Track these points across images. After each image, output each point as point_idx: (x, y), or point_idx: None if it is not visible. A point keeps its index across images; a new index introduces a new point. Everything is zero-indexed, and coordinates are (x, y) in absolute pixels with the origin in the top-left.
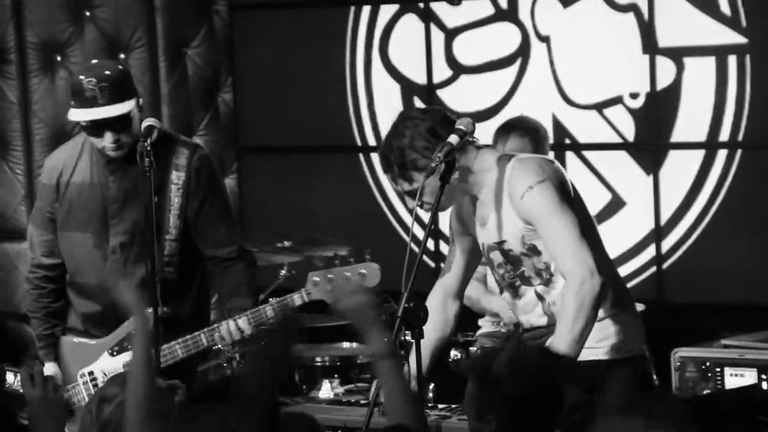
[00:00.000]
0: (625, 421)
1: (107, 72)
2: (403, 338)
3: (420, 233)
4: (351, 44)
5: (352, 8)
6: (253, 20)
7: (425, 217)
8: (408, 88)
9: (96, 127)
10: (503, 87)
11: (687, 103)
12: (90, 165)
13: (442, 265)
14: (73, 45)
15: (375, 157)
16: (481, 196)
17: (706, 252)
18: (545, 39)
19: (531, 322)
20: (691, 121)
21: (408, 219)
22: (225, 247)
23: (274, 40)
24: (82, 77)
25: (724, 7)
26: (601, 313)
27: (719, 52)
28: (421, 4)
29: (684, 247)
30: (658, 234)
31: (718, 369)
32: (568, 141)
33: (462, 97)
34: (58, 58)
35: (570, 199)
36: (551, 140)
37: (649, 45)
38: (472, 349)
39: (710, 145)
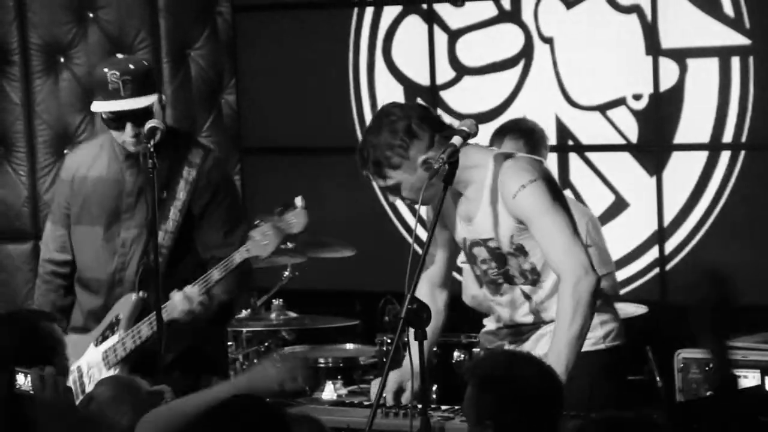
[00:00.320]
0: None
1: (131, 66)
2: (405, 339)
3: (423, 234)
4: (354, 45)
5: (355, 9)
6: (256, 21)
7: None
8: (411, 89)
9: (117, 120)
10: (506, 88)
11: (690, 104)
12: (108, 161)
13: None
14: (77, 46)
15: None
16: (466, 193)
17: (710, 253)
18: (548, 40)
19: (514, 319)
20: (694, 122)
21: (411, 220)
22: (221, 250)
23: (277, 42)
24: (106, 70)
25: (728, 9)
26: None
27: (722, 54)
28: (424, 6)
29: (687, 249)
30: (661, 235)
31: None
32: (571, 142)
33: (465, 98)
34: (62, 60)
35: (561, 198)
36: (554, 141)
37: (652, 46)
38: (476, 350)
39: (713, 147)
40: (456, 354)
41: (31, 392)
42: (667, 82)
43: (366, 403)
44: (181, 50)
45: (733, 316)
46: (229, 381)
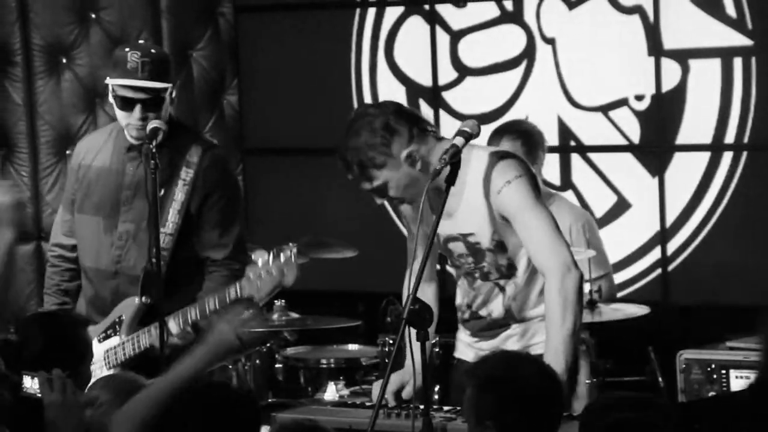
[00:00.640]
0: None
1: (152, 51)
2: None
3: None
4: (356, 46)
5: (358, 10)
6: (258, 22)
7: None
8: (413, 90)
9: (128, 100)
10: (508, 89)
11: (692, 105)
12: (112, 151)
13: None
14: (79, 47)
15: None
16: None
17: (712, 254)
18: (550, 41)
19: (489, 311)
20: (697, 123)
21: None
22: (217, 249)
23: (280, 42)
24: (127, 50)
25: (730, 9)
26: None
27: (725, 54)
28: (427, 6)
29: (689, 249)
30: (663, 236)
31: (723, 371)
32: (573, 143)
33: (467, 99)
34: (64, 60)
35: (541, 197)
36: (556, 142)
37: (655, 47)
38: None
39: (715, 147)
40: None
41: (38, 395)
42: (669, 82)
43: (368, 403)
44: (183, 51)
45: None
46: (190, 355)
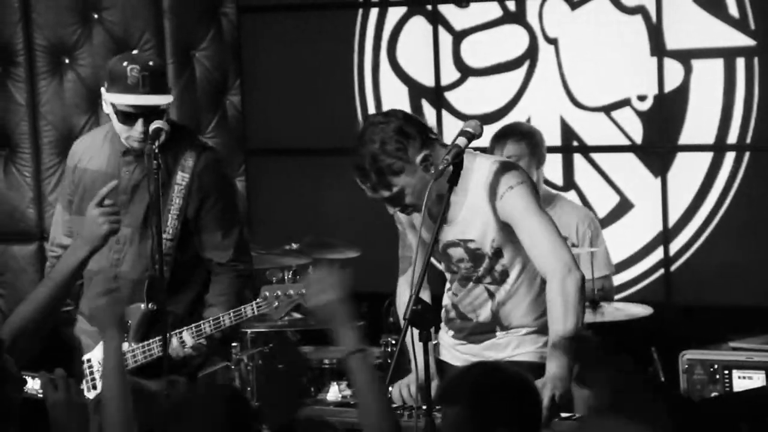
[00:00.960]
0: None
1: (151, 63)
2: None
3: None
4: (359, 46)
5: (360, 10)
6: (260, 22)
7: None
8: (416, 90)
9: (130, 115)
10: (511, 89)
11: (695, 105)
12: (109, 154)
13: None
14: (81, 47)
15: None
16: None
17: (714, 254)
18: (553, 41)
19: (477, 314)
20: (699, 123)
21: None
22: (219, 251)
23: (282, 43)
24: (125, 64)
25: (732, 10)
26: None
27: (727, 55)
28: (429, 7)
29: (692, 250)
30: (666, 236)
31: (726, 371)
32: (575, 143)
33: (470, 99)
34: (66, 61)
35: (541, 204)
36: (559, 142)
37: (657, 47)
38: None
39: (718, 148)
40: None
41: (40, 395)
42: (671, 83)
43: None
44: (186, 51)
45: None
46: (68, 248)
